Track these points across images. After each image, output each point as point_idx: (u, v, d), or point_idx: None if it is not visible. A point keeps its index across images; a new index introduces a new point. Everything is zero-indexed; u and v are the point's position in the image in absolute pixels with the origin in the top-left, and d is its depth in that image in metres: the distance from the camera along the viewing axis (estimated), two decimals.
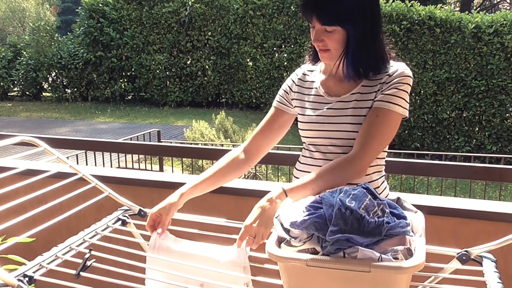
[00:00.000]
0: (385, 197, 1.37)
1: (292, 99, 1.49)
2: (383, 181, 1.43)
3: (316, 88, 1.44)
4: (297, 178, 1.46)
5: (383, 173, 1.43)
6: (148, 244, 1.35)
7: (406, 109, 1.33)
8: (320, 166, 1.36)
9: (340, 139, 1.36)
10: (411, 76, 1.34)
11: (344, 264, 0.93)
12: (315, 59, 1.46)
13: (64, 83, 15.24)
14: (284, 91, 1.51)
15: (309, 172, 1.33)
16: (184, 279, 1.17)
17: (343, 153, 1.33)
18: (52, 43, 15.10)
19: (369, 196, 1.01)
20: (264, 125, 1.51)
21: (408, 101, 1.33)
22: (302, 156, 1.49)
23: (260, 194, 1.97)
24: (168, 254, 1.30)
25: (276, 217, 1.10)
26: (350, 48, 1.29)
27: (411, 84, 1.34)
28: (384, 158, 1.42)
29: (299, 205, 1.09)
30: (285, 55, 12.25)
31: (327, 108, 1.39)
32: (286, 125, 1.52)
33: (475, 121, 10.06)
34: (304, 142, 1.48)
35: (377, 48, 1.33)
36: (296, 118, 1.51)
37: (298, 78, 1.50)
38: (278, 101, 1.52)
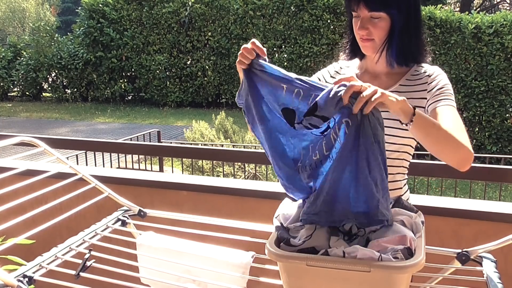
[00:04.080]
0: (407, 200, 1.36)
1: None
2: (405, 184, 1.42)
3: None
4: None
5: (406, 176, 1.42)
6: (141, 243, 1.35)
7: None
8: None
9: None
10: None
11: (344, 264, 0.92)
12: (351, 55, 1.44)
13: (64, 84, 15.24)
14: (318, 78, 1.49)
15: None
16: (176, 274, 1.16)
17: None
18: (52, 44, 15.10)
19: None
20: None
21: None
22: None
23: (260, 194, 1.99)
24: (160, 251, 1.30)
25: (276, 217, 1.10)
26: (395, 34, 1.30)
27: None
28: (409, 161, 1.39)
29: (296, 206, 1.09)
30: (285, 55, 12.24)
31: None
32: None
33: (475, 121, 10.05)
34: None
35: (419, 36, 1.34)
36: None
37: (335, 71, 1.48)
38: None
